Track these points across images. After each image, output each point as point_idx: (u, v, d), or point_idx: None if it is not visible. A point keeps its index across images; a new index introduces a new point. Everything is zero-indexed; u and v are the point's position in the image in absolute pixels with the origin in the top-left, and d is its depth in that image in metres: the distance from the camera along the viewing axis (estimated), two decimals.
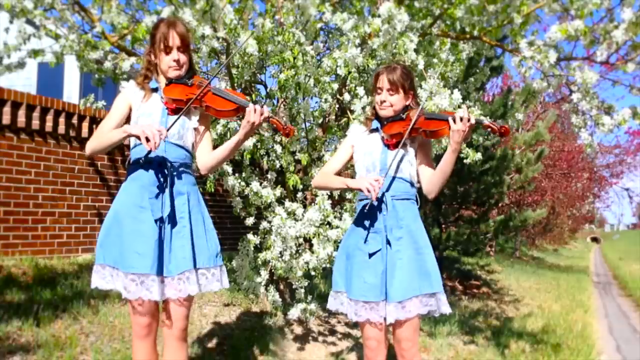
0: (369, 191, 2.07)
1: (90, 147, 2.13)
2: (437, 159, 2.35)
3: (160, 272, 2.04)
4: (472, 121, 2.09)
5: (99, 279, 2.09)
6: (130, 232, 2.05)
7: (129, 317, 3.60)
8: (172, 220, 2.09)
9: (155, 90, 2.19)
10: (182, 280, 2.06)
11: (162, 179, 2.09)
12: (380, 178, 2.13)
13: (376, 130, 2.34)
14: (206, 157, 2.22)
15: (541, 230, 19.59)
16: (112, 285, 2.07)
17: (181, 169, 2.15)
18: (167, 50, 2.11)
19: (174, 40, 2.09)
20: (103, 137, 2.10)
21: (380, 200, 2.21)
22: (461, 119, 2.08)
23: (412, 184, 2.28)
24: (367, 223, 2.25)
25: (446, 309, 2.22)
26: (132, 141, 2.15)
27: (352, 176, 2.49)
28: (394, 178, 2.24)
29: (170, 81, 2.16)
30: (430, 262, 2.22)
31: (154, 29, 2.15)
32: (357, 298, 2.21)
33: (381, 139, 2.30)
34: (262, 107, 2.07)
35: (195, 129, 2.21)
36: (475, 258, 11.56)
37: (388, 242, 2.19)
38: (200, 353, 3.43)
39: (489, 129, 2.16)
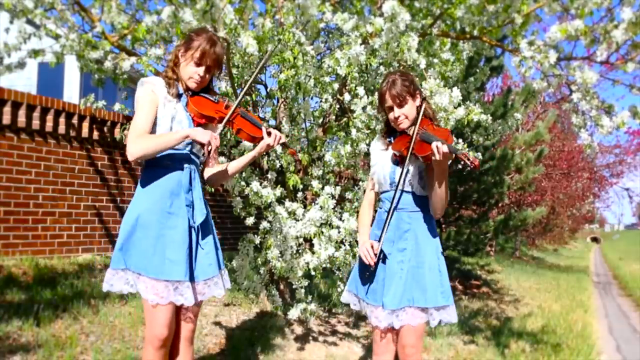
0: (365, 256, 2.26)
1: (141, 150, 1.98)
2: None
3: (192, 278, 2.06)
4: (445, 150, 2.09)
5: (123, 284, 2.04)
6: (158, 238, 2.03)
7: (130, 317, 3.61)
8: (203, 227, 2.12)
9: (179, 96, 2.16)
10: (207, 285, 2.10)
11: (190, 186, 2.10)
12: (375, 244, 2.26)
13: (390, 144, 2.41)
14: (214, 173, 2.27)
15: (541, 230, 19.56)
16: (134, 289, 2.04)
17: (199, 177, 2.19)
18: (199, 63, 2.10)
19: (210, 59, 2.09)
20: (156, 140, 1.99)
21: (388, 211, 2.29)
22: (437, 149, 2.10)
23: (420, 196, 2.31)
24: (377, 232, 2.34)
25: (450, 319, 2.26)
26: None
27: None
28: (401, 192, 2.29)
29: (194, 93, 2.16)
30: (431, 277, 2.25)
31: (197, 35, 2.12)
32: (364, 299, 2.36)
33: (392, 154, 2.37)
34: (278, 135, 2.17)
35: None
36: (475, 258, 11.56)
37: (384, 252, 2.28)
38: (201, 353, 3.43)
39: (462, 161, 2.13)
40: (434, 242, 2.31)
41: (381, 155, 2.41)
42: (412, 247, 2.26)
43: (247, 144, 3.60)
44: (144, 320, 3.54)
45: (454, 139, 2.42)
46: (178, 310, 2.11)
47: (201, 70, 2.10)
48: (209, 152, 2.01)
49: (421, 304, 2.22)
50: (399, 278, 2.23)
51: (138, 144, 1.97)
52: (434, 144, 2.10)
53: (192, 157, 2.14)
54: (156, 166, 2.09)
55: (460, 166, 3.33)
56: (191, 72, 2.11)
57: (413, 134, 2.23)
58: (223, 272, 2.21)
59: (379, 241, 2.27)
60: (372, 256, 2.25)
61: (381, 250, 2.27)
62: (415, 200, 2.30)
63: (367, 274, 2.32)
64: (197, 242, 2.11)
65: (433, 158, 2.12)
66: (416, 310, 2.22)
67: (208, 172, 2.30)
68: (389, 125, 2.39)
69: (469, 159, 2.07)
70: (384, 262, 2.29)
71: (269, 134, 2.15)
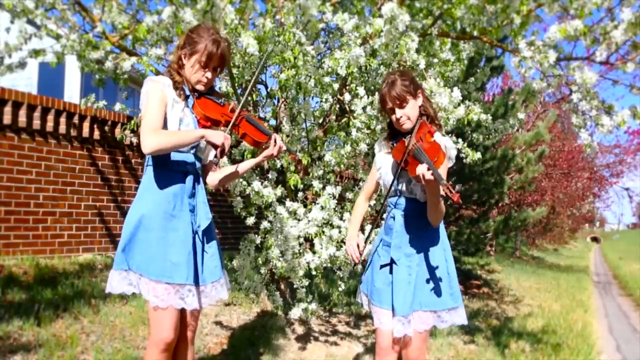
0: (351, 253, 2.31)
1: (158, 144, 1.93)
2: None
3: (196, 281, 2.05)
4: (430, 177, 1.94)
5: (125, 285, 2.01)
6: (160, 240, 2.01)
7: (130, 317, 3.61)
8: (207, 230, 2.12)
9: (187, 97, 2.14)
10: (215, 287, 2.11)
11: (194, 189, 2.09)
12: (361, 244, 2.32)
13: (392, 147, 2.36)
14: (216, 177, 2.26)
15: (541, 230, 19.58)
16: (137, 290, 2.02)
17: (202, 179, 2.17)
18: (206, 66, 2.08)
19: (217, 61, 2.08)
20: (173, 136, 1.97)
21: (393, 217, 2.31)
22: (423, 175, 1.97)
23: (424, 202, 2.26)
24: (384, 236, 2.35)
25: (459, 321, 2.27)
26: None
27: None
28: (404, 197, 2.29)
29: (200, 94, 2.14)
30: (439, 282, 2.25)
31: (199, 36, 2.06)
32: (371, 300, 2.35)
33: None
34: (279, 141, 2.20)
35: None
36: (475, 258, 11.57)
37: (394, 259, 2.25)
38: (201, 353, 3.44)
39: (444, 192, 1.97)
40: (440, 245, 2.29)
41: (386, 158, 2.37)
42: (419, 251, 2.25)
43: (247, 144, 3.61)
44: (145, 320, 3.55)
45: (452, 143, 2.36)
46: (184, 313, 2.10)
47: (209, 73, 2.10)
48: (222, 153, 2.02)
49: (431, 307, 2.22)
50: (407, 283, 2.22)
51: (155, 137, 1.92)
52: (419, 169, 1.98)
53: (195, 160, 2.13)
54: (159, 167, 2.06)
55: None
56: (199, 76, 2.09)
57: (407, 147, 2.15)
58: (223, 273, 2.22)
59: (389, 247, 2.28)
60: (358, 255, 2.30)
61: (394, 257, 2.26)
62: (418, 206, 2.27)
63: (366, 267, 2.35)
64: (203, 246, 2.11)
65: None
66: (425, 313, 2.22)
67: (213, 175, 2.28)
68: (392, 127, 2.34)
69: (450, 192, 1.92)
70: (392, 267, 2.27)
71: (274, 141, 2.18)
